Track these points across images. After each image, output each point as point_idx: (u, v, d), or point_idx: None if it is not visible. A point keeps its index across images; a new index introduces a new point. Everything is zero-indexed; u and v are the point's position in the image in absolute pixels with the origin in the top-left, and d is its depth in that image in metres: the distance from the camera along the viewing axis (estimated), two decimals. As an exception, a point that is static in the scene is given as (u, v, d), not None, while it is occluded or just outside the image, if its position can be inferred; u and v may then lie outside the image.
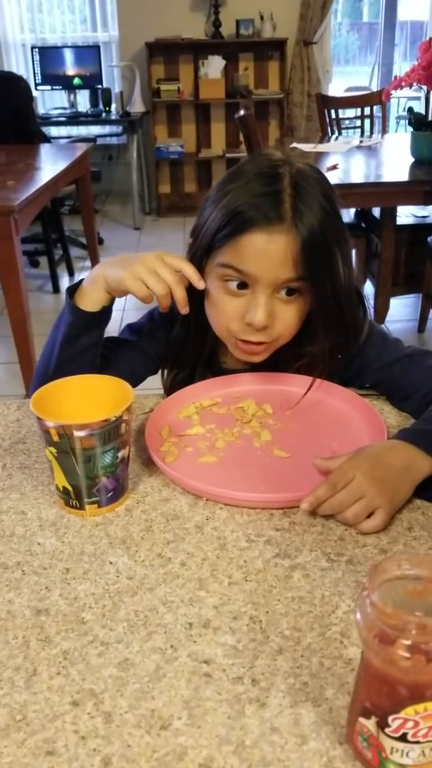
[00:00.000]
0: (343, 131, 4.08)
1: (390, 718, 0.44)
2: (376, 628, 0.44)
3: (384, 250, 2.98)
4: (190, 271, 0.86)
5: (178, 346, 1.01)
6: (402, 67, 5.55)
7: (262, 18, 4.92)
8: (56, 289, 3.89)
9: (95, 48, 5.04)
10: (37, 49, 4.99)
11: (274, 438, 0.87)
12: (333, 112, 3.94)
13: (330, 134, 3.84)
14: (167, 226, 5.12)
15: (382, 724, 0.45)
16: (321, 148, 3.24)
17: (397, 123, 5.52)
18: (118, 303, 0.92)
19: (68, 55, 5.01)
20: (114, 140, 5.38)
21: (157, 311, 0.94)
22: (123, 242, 4.73)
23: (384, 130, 4.00)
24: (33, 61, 4.99)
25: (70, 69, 5.01)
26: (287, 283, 0.86)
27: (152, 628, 0.60)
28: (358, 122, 3.98)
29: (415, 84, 2.52)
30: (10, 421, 0.95)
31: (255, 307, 0.86)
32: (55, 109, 5.14)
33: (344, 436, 0.87)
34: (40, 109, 5.09)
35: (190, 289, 0.87)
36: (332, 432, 0.89)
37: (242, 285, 0.88)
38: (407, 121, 2.96)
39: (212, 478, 0.79)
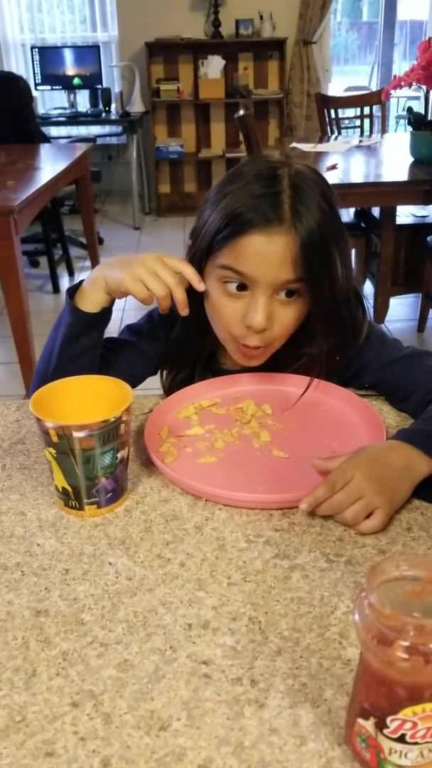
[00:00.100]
0: (342, 131, 4.09)
1: (388, 719, 0.44)
2: (374, 629, 0.44)
3: (383, 250, 2.98)
4: (190, 273, 0.86)
5: (178, 346, 1.01)
6: (401, 66, 5.55)
7: (261, 18, 4.92)
8: (56, 289, 3.89)
9: (95, 48, 5.04)
10: (36, 49, 5.00)
11: (273, 438, 0.88)
12: (332, 111, 3.94)
13: (329, 134, 3.84)
14: (167, 226, 5.12)
15: (381, 725, 0.45)
16: (320, 147, 3.24)
17: (397, 123, 5.52)
18: (118, 304, 0.92)
19: (68, 55, 5.01)
20: (114, 140, 5.38)
21: (157, 312, 0.94)
22: (123, 242, 4.73)
23: (383, 130, 4.00)
24: (33, 61, 5.00)
25: (70, 69, 5.01)
26: (286, 285, 0.86)
27: (151, 629, 0.60)
28: (358, 122, 3.99)
29: (414, 83, 2.52)
30: (9, 422, 0.96)
31: (254, 308, 0.86)
32: (55, 109, 5.14)
33: (343, 436, 0.87)
34: (40, 109, 5.10)
35: (190, 291, 0.87)
36: (331, 432, 0.89)
37: (242, 287, 0.88)
38: (407, 121, 2.96)
39: (211, 478, 0.79)
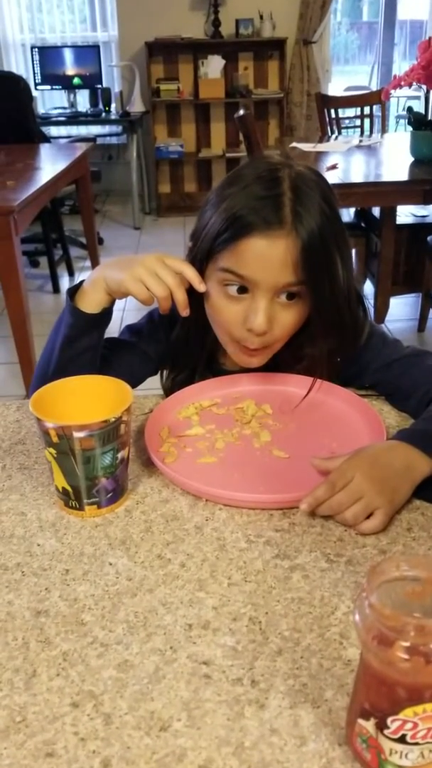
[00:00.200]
0: (342, 131, 4.08)
1: (389, 720, 0.44)
2: (374, 629, 0.44)
3: (384, 250, 2.98)
4: (191, 274, 0.86)
5: (178, 347, 1.01)
6: (401, 66, 5.56)
7: (261, 17, 4.92)
8: (56, 289, 3.89)
9: (95, 48, 5.04)
10: (36, 49, 5.00)
11: (273, 438, 0.88)
12: (332, 111, 3.94)
13: (330, 134, 3.84)
14: (167, 226, 5.12)
15: (381, 726, 0.45)
16: (321, 147, 3.24)
17: (397, 122, 5.52)
18: (118, 304, 0.92)
19: (68, 55, 5.02)
20: (114, 140, 5.39)
21: (157, 312, 0.93)
22: (123, 242, 4.73)
23: (383, 130, 4.00)
24: (33, 61, 5.00)
25: (70, 69, 5.01)
26: (287, 288, 0.86)
27: (152, 630, 0.60)
28: (358, 122, 3.99)
29: (414, 83, 2.51)
30: (9, 422, 0.96)
31: (255, 311, 0.86)
32: (55, 108, 5.15)
33: (343, 436, 0.87)
34: (40, 109, 5.10)
35: (191, 291, 0.87)
36: (331, 432, 0.89)
37: (242, 289, 0.87)
38: (407, 121, 2.96)
39: (212, 478, 0.79)
